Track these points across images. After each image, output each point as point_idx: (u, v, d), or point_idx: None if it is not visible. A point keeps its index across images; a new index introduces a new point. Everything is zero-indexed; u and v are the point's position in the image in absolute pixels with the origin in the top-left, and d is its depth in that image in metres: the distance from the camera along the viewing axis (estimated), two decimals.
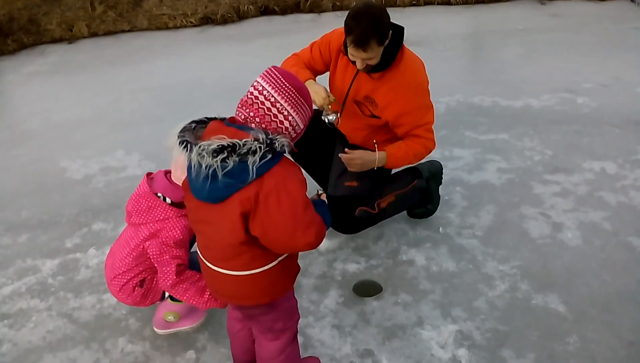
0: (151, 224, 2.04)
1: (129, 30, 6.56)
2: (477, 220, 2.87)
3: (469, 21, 6.10)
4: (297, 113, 1.53)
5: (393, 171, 2.79)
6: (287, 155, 1.54)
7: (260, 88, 1.51)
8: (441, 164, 2.89)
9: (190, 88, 4.72)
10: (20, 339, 2.30)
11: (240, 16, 6.73)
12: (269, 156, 1.44)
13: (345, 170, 2.61)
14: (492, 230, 2.80)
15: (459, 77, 4.59)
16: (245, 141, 1.42)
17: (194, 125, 1.57)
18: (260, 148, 1.42)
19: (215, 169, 1.42)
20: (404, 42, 2.40)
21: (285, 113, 1.51)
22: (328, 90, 2.46)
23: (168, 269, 2.02)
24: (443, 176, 2.95)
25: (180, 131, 1.54)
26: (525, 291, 2.41)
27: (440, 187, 2.92)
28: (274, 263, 1.62)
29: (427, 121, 2.46)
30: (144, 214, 2.05)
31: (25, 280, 2.61)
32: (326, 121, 2.42)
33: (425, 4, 6.80)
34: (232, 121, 1.56)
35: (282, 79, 1.52)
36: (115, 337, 2.27)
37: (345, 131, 2.52)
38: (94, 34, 6.48)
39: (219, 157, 1.41)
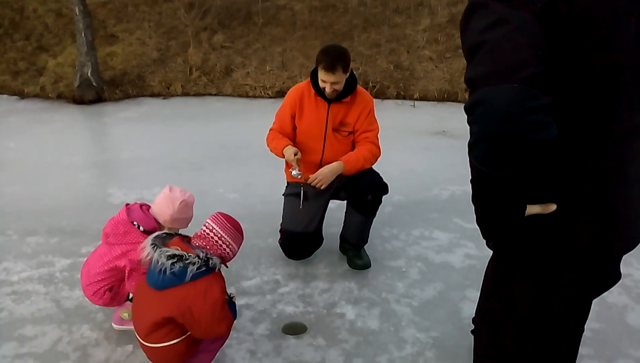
0: (124, 246, 2.56)
1: (215, 94, 7.63)
2: (420, 292, 3.12)
3: None
4: (234, 242, 2.34)
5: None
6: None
7: (211, 227, 2.31)
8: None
9: (239, 147, 5.45)
10: (16, 311, 2.93)
11: None
12: (204, 268, 2.16)
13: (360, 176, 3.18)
14: (428, 303, 3.04)
15: None
16: (189, 255, 2.16)
17: (164, 235, 2.35)
18: (198, 261, 2.15)
19: (166, 267, 2.13)
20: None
21: (227, 242, 2.31)
22: (297, 151, 3.06)
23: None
24: (413, 252, 3.33)
25: (155, 237, 2.30)
26: (428, 358, 2.62)
27: (404, 260, 3.27)
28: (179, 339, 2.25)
29: (375, 128, 3.19)
30: (120, 237, 2.59)
31: (40, 270, 3.30)
32: (292, 173, 3.02)
33: None
34: (188, 241, 2.32)
35: (224, 221, 2.34)
36: (81, 324, 2.83)
37: (336, 158, 3.13)
38: (186, 94, 7.62)
39: (169, 261, 2.14)
